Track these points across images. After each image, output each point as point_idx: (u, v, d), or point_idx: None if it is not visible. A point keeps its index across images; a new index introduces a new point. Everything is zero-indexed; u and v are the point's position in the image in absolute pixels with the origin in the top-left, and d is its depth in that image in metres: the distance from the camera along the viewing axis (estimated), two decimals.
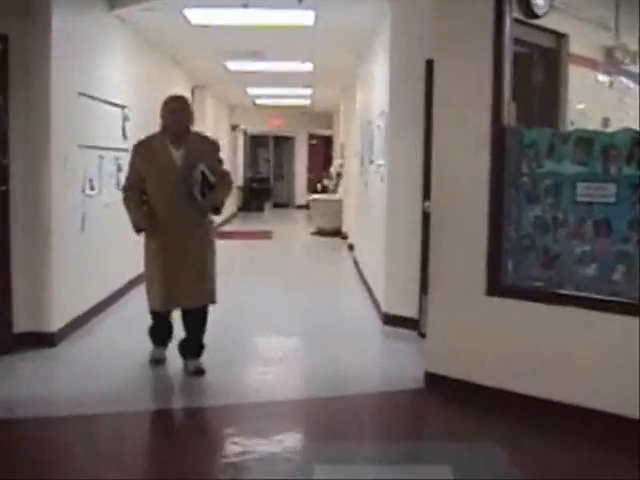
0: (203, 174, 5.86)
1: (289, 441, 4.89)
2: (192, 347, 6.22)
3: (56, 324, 6.97)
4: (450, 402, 5.52)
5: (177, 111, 5.93)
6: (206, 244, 6.11)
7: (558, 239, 5.17)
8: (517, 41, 5.49)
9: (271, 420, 5.24)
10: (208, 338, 6.34)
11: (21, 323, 6.78)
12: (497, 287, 5.37)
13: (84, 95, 7.67)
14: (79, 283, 7.54)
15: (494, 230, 5.35)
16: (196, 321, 6.15)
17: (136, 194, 6.02)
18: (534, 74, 6.49)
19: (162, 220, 5.93)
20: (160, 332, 6.46)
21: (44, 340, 6.83)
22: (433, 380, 5.76)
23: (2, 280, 6.62)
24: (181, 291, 5.95)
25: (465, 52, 5.50)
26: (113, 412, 5.34)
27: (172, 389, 6.08)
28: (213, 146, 6.23)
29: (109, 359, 6.66)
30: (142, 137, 6.29)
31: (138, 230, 6.03)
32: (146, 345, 6.57)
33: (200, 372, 6.12)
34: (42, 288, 6.86)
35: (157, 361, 6.44)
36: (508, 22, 5.31)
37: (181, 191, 5.85)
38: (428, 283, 6.01)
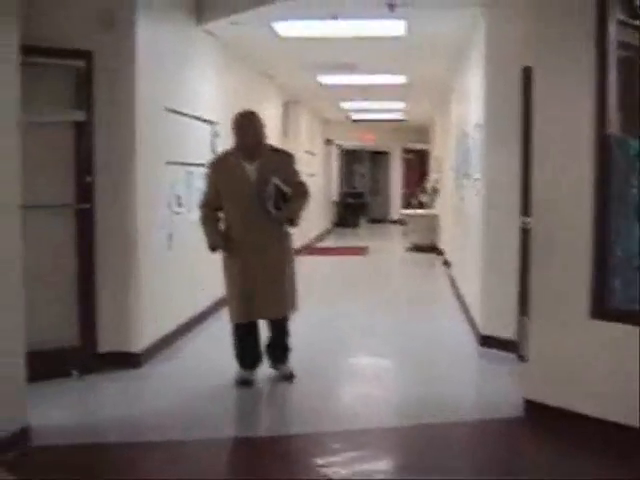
0: (277, 187, 5.92)
1: (378, 474, 4.58)
2: (277, 351, 6.39)
3: (141, 344, 6.84)
4: (550, 433, 5.14)
5: (246, 126, 6.04)
6: (283, 256, 6.18)
7: None
8: (621, 44, 5.09)
9: (361, 450, 4.95)
10: (300, 358, 6.53)
11: (106, 343, 6.65)
12: (602, 310, 4.96)
13: (171, 111, 7.54)
14: (166, 302, 7.40)
15: (599, 248, 4.95)
16: (277, 328, 6.31)
17: (212, 212, 6.16)
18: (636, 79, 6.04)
19: (238, 235, 6.04)
20: (244, 350, 6.33)
21: (129, 360, 6.69)
22: (532, 408, 5.37)
23: (87, 299, 6.53)
24: (259, 305, 6.05)
25: (566, 57, 5.13)
26: (198, 439, 5.11)
27: (261, 414, 5.86)
28: (287, 158, 6.31)
29: (196, 381, 6.48)
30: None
31: (212, 249, 6.13)
32: (234, 365, 6.41)
33: (289, 377, 6.31)
34: (127, 307, 6.73)
35: (244, 382, 6.26)
36: (611, 24, 4.92)
37: (256, 205, 5.94)
38: (527, 303, 5.63)
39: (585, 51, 4.95)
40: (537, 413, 5.33)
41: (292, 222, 6.18)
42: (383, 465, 4.73)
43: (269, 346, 6.42)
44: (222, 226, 6.18)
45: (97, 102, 6.47)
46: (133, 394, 6.18)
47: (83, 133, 6.42)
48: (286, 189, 5.98)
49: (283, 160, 6.22)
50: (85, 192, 6.44)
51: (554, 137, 5.24)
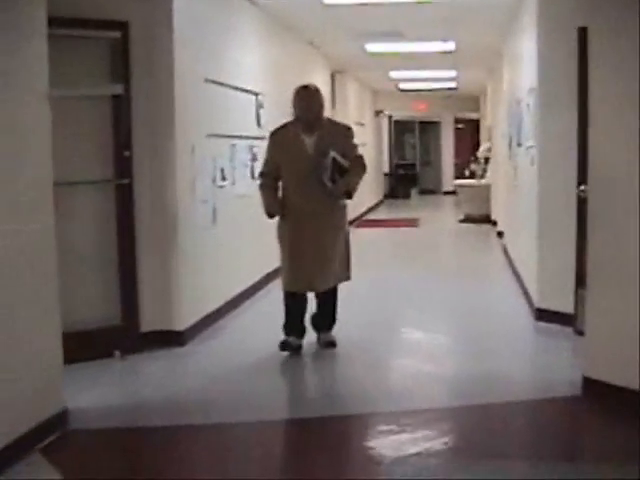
0: (334, 160, 6.00)
1: (432, 459, 4.32)
2: (324, 321, 6.50)
3: (185, 322, 6.67)
4: (611, 414, 4.84)
5: (307, 99, 6.16)
6: (338, 229, 6.29)
7: None
8: None
9: (413, 432, 4.69)
10: (350, 332, 6.66)
11: (148, 321, 6.50)
12: None
13: (212, 82, 7.31)
14: (210, 279, 7.21)
15: None
16: (325, 299, 6.40)
17: (271, 180, 6.28)
18: None
19: (294, 205, 6.17)
20: (294, 319, 6.41)
21: (172, 339, 6.54)
22: (591, 387, 5.09)
23: (129, 277, 6.37)
24: (308, 275, 6.17)
25: (626, 15, 4.78)
26: (243, 421, 4.92)
27: (308, 394, 5.62)
28: (346, 131, 6.41)
29: (240, 360, 6.29)
30: (277, 125, 6.50)
31: (270, 215, 6.25)
32: (278, 342, 6.38)
33: (332, 344, 6.43)
34: (170, 285, 6.57)
35: (286, 346, 6.34)
36: None
37: (313, 177, 6.06)
38: (586, 276, 5.33)
39: None
40: (596, 391, 5.05)
41: (348, 195, 6.26)
42: (435, 448, 4.46)
43: (315, 316, 6.56)
44: (280, 195, 6.30)
45: (134, 74, 6.28)
46: (177, 374, 6.01)
47: (120, 107, 6.22)
48: (343, 162, 6.07)
49: (341, 133, 6.31)
50: (124, 167, 6.26)
51: (611, 102, 4.92)
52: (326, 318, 6.50)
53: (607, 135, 4.95)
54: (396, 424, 4.80)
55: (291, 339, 6.36)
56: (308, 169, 6.07)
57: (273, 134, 6.38)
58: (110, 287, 6.32)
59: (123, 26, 6.19)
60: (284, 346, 6.32)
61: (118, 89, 6.19)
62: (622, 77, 4.84)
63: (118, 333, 6.28)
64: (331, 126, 6.32)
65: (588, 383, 5.12)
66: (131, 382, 5.86)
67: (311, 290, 6.33)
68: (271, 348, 6.40)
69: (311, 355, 6.46)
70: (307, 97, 6.18)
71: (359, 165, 6.29)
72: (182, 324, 6.62)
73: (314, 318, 6.57)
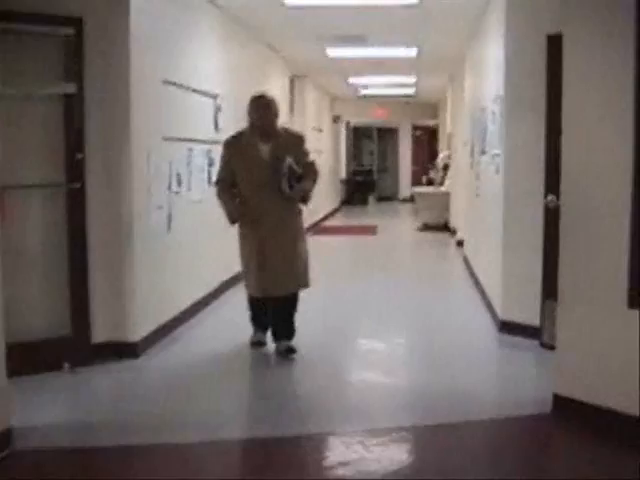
0: (290, 167, 6.13)
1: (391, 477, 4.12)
2: (284, 330, 6.50)
3: (139, 333, 6.39)
4: (583, 432, 4.67)
5: (262, 108, 6.25)
6: (296, 232, 6.43)
7: None
8: None
9: (375, 452, 4.47)
10: (308, 346, 6.55)
11: (100, 332, 6.21)
12: None
13: (170, 83, 7.05)
14: (165, 287, 6.95)
15: (638, 230, 4.47)
16: (287, 306, 6.46)
17: (228, 187, 6.35)
18: None
19: (253, 211, 6.24)
20: (259, 318, 6.70)
21: (125, 351, 6.26)
22: (562, 404, 4.91)
23: (79, 286, 6.08)
24: (273, 278, 6.27)
25: (601, 21, 4.62)
26: (198, 441, 4.63)
27: (264, 412, 5.26)
28: (299, 139, 6.54)
29: (197, 372, 6.07)
30: (233, 131, 6.63)
31: (232, 221, 6.34)
32: (240, 353, 6.45)
33: (291, 351, 6.39)
34: (123, 294, 6.29)
35: (257, 343, 6.68)
36: None
37: (270, 183, 6.17)
38: (552, 287, 5.17)
39: (625, 14, 4.45)
40: (567, 409, 4.88)
41: (304, 200, 6.43)
42: (398, 469, 4.25)
43: (276, 323, 6.57)
44: (237, 200, 6.36)
45: (88, 73, 6.00)
46: (129, 389, 5.72)
47: (73, 107, 5.93)
48: (297, 169, 6.19)
49: (295, 141, 6.44)
50: (76, 170, 5.97)
51: (587, 109, 4.75)
52: (286, 326, 6.49)
53: (581, 144, 4.78)
54: (357, 444, 4.57)
55: (259, 335, 6.68)
56: (265, 175, 6.18)
57: (228, 142, 6.44)
58: (60, 295, 6.02)
59: (76, 22, 5.91)
60: (254, 344, 6.66)
61: (71, 88, 5.90)
62: (597, 84, 4.68)
63: (67, 344, 5.98)
64: (285, 134, 6.43)
65: (558, 400, 4.94)
66: (81, 398, 5.55)
67: (275, 294, 6.37)
68: (229, 359, 6.20)
69: (269, 368, 6.29)
70: (263, 106, 6.27)
71: (312, 171, 6.45)
72: (136, 335, 6.35)
73: (274, 327, 6.59)
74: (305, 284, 6.44)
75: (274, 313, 6.54)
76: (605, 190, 4.64)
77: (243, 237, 6.40)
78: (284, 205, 6.26)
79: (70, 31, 5.88)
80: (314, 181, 6.46)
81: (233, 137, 6.46)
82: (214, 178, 6.67)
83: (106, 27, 6.07)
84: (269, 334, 6.66)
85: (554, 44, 5.84)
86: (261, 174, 6.18)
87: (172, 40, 7.18)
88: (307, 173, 6.32)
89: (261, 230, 6.23)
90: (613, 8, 4.54)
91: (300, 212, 6.48)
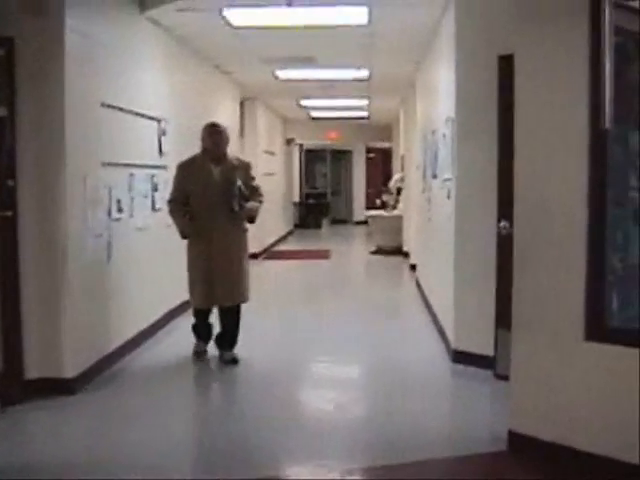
0: (240, 190, 6.77)
1: None
2: (227, 340, 7.08)
3: (76, 368, 6.06)
4: (539, 471, 4.46)
5: (215, 135, 6.88)
6: (241, 249, 7.04)
7: None
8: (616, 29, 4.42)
9: None
10: (256, 378, 6.65)
11: (33, 368, 5.89)
12: (599, 330, 4.30)
13: (109, 106, 6.76)
14: (105, 319, 6.65)
15: (595, 259, 4.29)
16: (231, 318, 7.02)
17: (180, 206, 6.88)
18: (630, 67, 5.39)
19: (203, 228, 6.79)
20: (202, 329, 7.27)
21: (61, 387, 5.92)
22: (518, 441, 4.70)
23: (11, 318, 5.76)
24: (219, 291, 6.83)
25: (554, 42, 4.47)
26: None
27: (210, 455, 4.97)
28: (247, 165, 7.23)
29: (137, 411, 5.77)
30: (179, 156, 7.36)
31: (184, 237, 6.89)
32: (184, 387, 6.39)
33: (234, 361, 6.98)
34: (58, 327, 5.96)
35: (199, 354, 7.22)
36: (607, 5, 4.24)
37: (220, 202, 6.76)
38: (507, 317, 4.96)
39: (577, 34, 4.30)
40: (523, 447, 4.67)
41: (252, 219, 7.06)
42: None
43: (219, 336, 7.15)
44: (187, 218, 6.87)
45: (20, 96, 5.72)
46: (64, 429, 5.37)
47: (3, 131, 5.65)
48: (245, 191, 6.86)
49: (243, 166, 7.10)
50: (7, 197, 5.68)
51: (540, 133, 4.58)
52: (229, 336, 7.06)
53: (534, 168, 4.59)
54: None
55: (201, 345, 7.25)
56: (216, 195, 6.75)
57: (182, 165, 7.00)
58: None
59: (7, 42, 5.64)
60: (197, 355, 7.20)
61: (1, 111, 5.62)
62: (550, 106, 4.51)
63: None
64: (234, 160, 7.10)
65: (514, 437, 4.73)
66: (11, 439, 5.17)
67: (219, 304, 6.95)
68: (171, 394, 5.95)
69: (214, 402, 6.15)
70: (216, 134, 6.88)
71: (258, 194, 7.13)
72: (72, 370, 6.02)
73: (218, 338, 7.16)
74: (247, 298, 7.04)
75: (221, 324, 7.10)
76: (560, 216, 4.46)
77: (192, 252, 6.91)
78: (232, 223, 6.83)
79: (0, 52, 5.60)
80: (260, 202, 7.12)
81: (186, 161, 7.02)
82: (162, 200, 7.42)
83: (40, 48, 5.79)
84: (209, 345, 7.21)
85: (506, 64, 5.68)
86: (212, 194, 6.75)
87: (111, 62, 6.89)
88: (253, 195, 7.00)
89: (210, 245, 6.77)
90: (566, 29, 4.38)
91: (246, 231, 7.08)
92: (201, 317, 7.20)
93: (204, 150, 6.92)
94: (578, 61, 4.30)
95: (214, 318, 7.21)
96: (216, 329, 7.25)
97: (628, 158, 4.23)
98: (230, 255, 6.84)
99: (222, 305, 6.94)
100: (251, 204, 6.92)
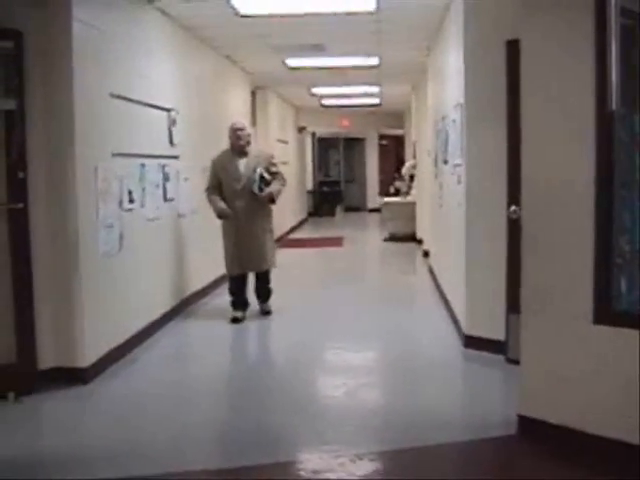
0: (261, 175, 8.17)
1: None
2: (263, 293, 8.67)
3: (88, 358, 6.13)
4: (549, 454, 4.48)
5: (239, 133, 8.33)
6: (266, 225, 8.50)
7: None
8: (622, 11, 4.40)
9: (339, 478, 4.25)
10: (271, 363, 7.07)
11: (47, 358, 5.96)
12: (607, 314, 4.29)
13: (118, 97, 6.78)
14: (117, 309, 6.68)
15: (602, 242, 4.28)
16: (261, 279, 8.62)
17: (215, 192, 8.31)
18: (637, 49, 5.37)
19: (232, 209, 8.22)
20: (236, 298, 8.49)
21: (75, 377, 6.00)
22: (527, 425, 4.71)
23: (24, 309, 5.81)
24: (248, 260, 8.36)
25: (560, 26, 4.44)
26: (152, 474, 4.35)
27: (221, 441, 5.05)
28: (269, 156, 8.74)
29: (151, 399, 5.82)
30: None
31: (221, 217, 8.25)
32: (196, 377, 6.35)
33: (268, 312, 8.68)
34: (71, 317, 6.03)
35: (235, 319, 8.36)
36: None
37: (246, 188, 8.23)
38: (518, 302, 4.95)
39: (583, 18, 4.27)
40: (532, 430, 4.68)
41: (272, 200, 8.39)
42: None
43: (257, 290, 8.68)
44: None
45: (29, 88, 5.75)
46: (79, 418, 5.45)
47: (14, 123, 5.67)
48: (267, 177, 8.23)
49: (264, 157, 8.56)
50: (18, 190, 5.72)
51: (546, 117, 4.56)
52: (264, 292, 8.65)
53: (541, 152, 4.59)
54: (322, 472, 4.35)
55: (239, 314, 8.40)
56: (242, 182, 8.22)
57: (214, 160, 8.44)
58: (4, 320, 5.75)
59: (16, 35, 5.65)
60: (234, 320, 8.32)
61: (10, 104, 5.64)
62: (556, 90, 4.49)
63: (12, 372, 5.71)
64: (257, 152, 8.66)
65: (523, 422, 4.73)
66: (27, 429, 5.23)
67: (249, 270, 8.48)
68: (185, 383, 6.00)
69: (227, 390, 6.14)
70: (238, 131, 8.33)
71: (279, 178, 8.47)
72: (86, 360, 6.08)
73: (256, 290, 8.68)
74: (271, 265, 8.58)
75: (256, 284, 8.63)
76: (568, 200, 4.45)
77: (224, 229, 8.35)
78: (256, 204, 8.27)
79: (9, 45, 5.62)
80: (282, 185, 8.50)
81: (218, 156, 8.47)
82: (174, 191, 8.46)
83: (48, 40, 5.84)
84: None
85: (513, 49, 5.65)
86: (239, 182, 8.22)
87: (120, 52, 6.91)
88: (274, 179, 8.34)
89: (238, 223, 8.22)
90: (571, 12, 4.36)
91: (270, 210, 8.53)
92: (234, 286, 8.47)
93: (231, 146, 8.36)
94: (584, 44, 4.27)
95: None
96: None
97: (634, 140, 4.20)
98: (254, 231, 8.30)
99: (249, 271, 8.48)
100: (271, 187, 8.22)
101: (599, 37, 4.22)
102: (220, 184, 8.27)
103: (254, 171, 8.15)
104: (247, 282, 8.57)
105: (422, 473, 4.38)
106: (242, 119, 11.97)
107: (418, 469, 4.44)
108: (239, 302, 8.47)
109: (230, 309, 8.42)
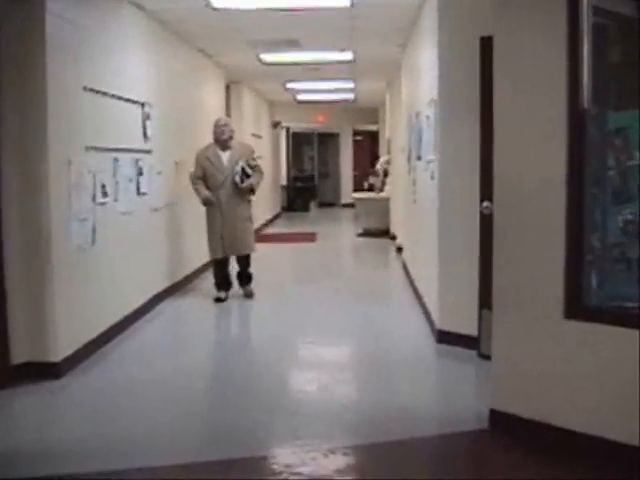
0: (242, 167, 8.92)
1: None
2: (244, 277, 9.43)
3: (62, 352, 6.10)
4: (520, 449, 4.52)
5: (223, 127, 9.10)
6: (246, 213, 9.24)
7: None
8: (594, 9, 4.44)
9: (308, 475, 4.25)
10: (243, 359, 6.82)
11: (20, 352, 5.93)
12: (578, 309, 4.35)
13: (91, 90, 6.75)
14: (90, 303, 6.66)
15: (574, 239, 4.33)
16: (243, 263, 9.39)
17: (200, 181, 9.02)
18: (611, 48, 5.42)
19: (216, 198, 8.95)
20: (220, 280, 9.25)
21: (48, 371, 5.96)
22: (499, 419, 4.75)
23: None
24: (230, 245, 9.07)
25: (533, 24, 4.48)
26: (125, 469, 4.34)
27: (194, 435, 5.01)
28: (248, 149, 9.57)
29: (124, 393, 5.81)
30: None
31: (206, 203, 8.96)
32: (171, 371, 6.31)
33: (251, 295, 9.37)
34: (43, 311, 6.00)
35: (218, 299, 9.17)
36: None
37: (228, 179, 8.97)
38: (490, 297, 5.00)
39: (556, 16, 4.31)
40: (504, 425, 4.72)
41: (252, 191, 9.22)
42: None
43: (238, 274, 9.43)
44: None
45: (2, 82, 5.72)
46: (52, 412, 5.45)
47: None
48: (248, 169, 8.96)
49: (245, 150, 9.34)
50: None
51: (519, 114, 4.61)
52: (245, 276, 9.41)
53: (513, 148, 4.63)
54: (295, 466, 4.35)
55: (222, 295, 9.18)
56: (224, 173, 8.98)
57: (199, 152, 9.17)
58: None
59: None
60: (217, 300, 9.13)
61: None
62: (529, 88, 4.53)
63: None
64: (239, 145, 9.39)
65: (495, 416, 4.78)
66: (0, 424, 5.21)
67: (231, 254, 9.18)
68: (158, 377, 5.99)
69: (198, 385, 6.11)
70: (223, 126, 9.10)
71: (258, 171, 9.25)
72: (59, 354, 6.05)
73: (238, 275, 9.43)
74: (251, 250, 9.32)
75: (239, 268, 9.37)
76: (539, 197, 4.49)
77: (208, 216, 9.05)
78: (237, 193, 8.99)
79: None
80: (260, 177, 9.30)
81: (202, 148, 9.21)
82: (147, 185, 8.40)
83: (21, 33, 5.79)
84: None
85: (487, 46, 5.68)
86: (222, 172, 8.97)
87: (94, 46, 6.87)
88: (254, 172, 9.09)
89: (221, 210, 8.94)
90: (544, 10, 4.40)
91: (249, 200, 9.28)
92: (218, 268, 9.22)
93: (215, 139, 9.08)
94: (556, 42, 4.32)
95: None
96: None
97: (606, 138, 4.25)
98: (236, 218, 9.02)
99: (231, 255, 9.18)
100: (251, 179, 8.99)
101: (571, 35, 4.27)
102: (204, 174, 8.98)
103: (236, 163, 8.89)
104: (229, 265, 9.33)
105: (396, 467, 4.40)
106: (216, 113, 12.05)
107: (391, 463, 4.45)
108: (222, 283, 9.24)
109: (214, 290, 9.23)
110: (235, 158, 8.97)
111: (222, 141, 9.03)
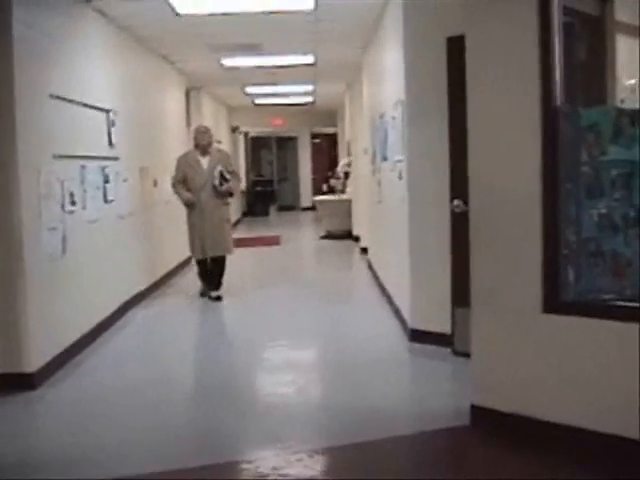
0: (221, 172, 9.37)
1: None
2: (215, 282, 9.71)
3: (36, 362, 6.05)
4: (503, 443, 4.55)
5: (202, 134, 9.62)
6: (224, 216, 9.69)
7: (630, 242, 4.22)
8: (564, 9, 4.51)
9: (285, 476, 4.25)
10: (210, 365, 6.73)
11: None
12: (556, 302, 4.40)
13: (57, 97, 6.70)
14: (62, 312, 6.61)
15: (550, 234, 4.38)
16: (218, 265, 9.73)
17: (181, 185, 9.50)
18: (576, 46, 5.51)
19: (196, 201, 9.40)
20: (204, 276, 9.77)
21: (23, 382, 5.91)
22: (481, 415, 4.79)
23: None
24: (209, 245, 9.48)
25: (505, 22, 4.53)
26: (103, 479, 4.28)
27: (172, 443, 4.93)
28: (226, 155, 10.31)
29: (100, 403, 5.75)
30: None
31: (187, 206, 9.48)
32: (145, 379, 6.27)
33: (219, 299, 9.58)
34: (15, 321, 5.95)
35: (204, 293, 9.81)
36: None
37: (207, 183, 9.41)
38: (463, 295, 5.07)
39: (527, 14, 4.37)
40: (486, 420, 4.76)
41: (231, 194, 9.68)
42: None
43: (210, 277, 9.70)
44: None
45: None
46: (27, 425, 5.35)
47: None
48: (226, 174, 9.42)
49: (223, 156, 9.94)
50: None
51: (492, 112, 4.65)
52: (217, 279, 9.70)
53: (488, 147, 4.68)
54: (269, 470, 4.33)
55: (212, 293, 9.63)
56: (204, 178, 9.42)
57: (180, 157, 9.78)
58: None
59: None
60: (203, 294, 9.84)
61: None
62: (502, 86, 4.58)
63: None
64: (217, 151, 9.94)
65: (476, 411, 4.82)
66: None
67: (210, 254, 9.54)
68: (132, 386, 5.94)
69: (174, 391, 6.04)
70: (202, 133, 9.64)
71: (236, 176, 9.89)
72: (32, 365, 6.00)
73: (210, 274, 9.68)
74: (229, 251, 9.72)
75: (210, 270, 9.66)
76: (515, 194, 4.54)
77: (189, 218, 9.54)
78: (217, 197, 9.44)
79: None
80: (238, 182, 10.09)
81: (183, 154, 9.88)
82: (114, 192, 8.29)
83: None
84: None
85: (454, 46, 5.74)
86: (202, 177, 9.42)
87: (59, 53, 6.84)
88: (232, 177, 9.56)
89: (201, 213, 9.39)
90: (516, 10, 4.46)
91: (228, 204, 9.75)
92: (202, 267, 9.71)
93: (195, 145, 9.60)
94: (528, 40, 4.37)
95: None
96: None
97: (579, 134, 4.32)
98: (215, 220, 9.43)
99: (211, 256, 9.55)
100: (230, 183, 9.46)
101: (543, 33, 4.32)
102: (185, 178, 9.45)
103: (215, 168, 9.34)
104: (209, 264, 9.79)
105: (381, 465, 4.42)
106: (177, 119, 12.05)
107: (376, 461, 4.46)
108: (211, 282, 9.74)
109: (192, 294, 9.95)
110: (214, 163, 9.41)
111: (202, 146, 9.50)
